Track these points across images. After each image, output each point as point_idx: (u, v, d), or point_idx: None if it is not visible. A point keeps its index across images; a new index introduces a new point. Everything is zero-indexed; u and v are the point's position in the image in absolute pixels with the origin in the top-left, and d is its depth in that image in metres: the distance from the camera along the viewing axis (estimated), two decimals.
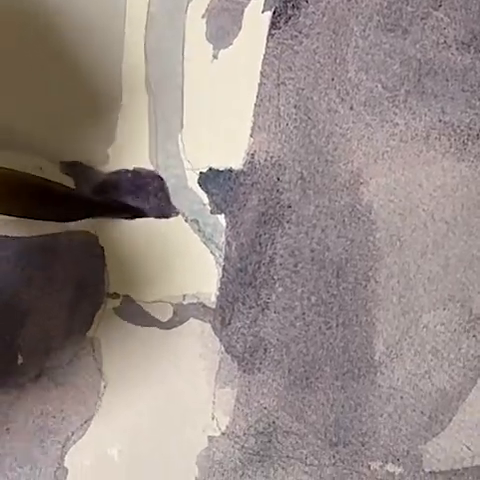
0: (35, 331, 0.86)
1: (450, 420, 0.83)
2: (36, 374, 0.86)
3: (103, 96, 0.85)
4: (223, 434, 0.85)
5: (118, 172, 0.86)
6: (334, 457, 0.84)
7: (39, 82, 0.85)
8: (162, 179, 0.86)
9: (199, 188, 0.85)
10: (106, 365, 0.87)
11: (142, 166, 0.86)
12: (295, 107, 0.83)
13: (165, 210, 0.86)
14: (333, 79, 0.82)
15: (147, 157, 0.86)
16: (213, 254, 0.85)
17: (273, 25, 0.83)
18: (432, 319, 0.82)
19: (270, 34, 0.83)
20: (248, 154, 0.84)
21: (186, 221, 0.86)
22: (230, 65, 0.84)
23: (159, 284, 0.86)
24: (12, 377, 0.86)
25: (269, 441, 0.85)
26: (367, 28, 0.82)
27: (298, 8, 0.82)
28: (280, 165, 0.83)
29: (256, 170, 0.84)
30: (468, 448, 0.83)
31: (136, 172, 0.86)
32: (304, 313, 0.84)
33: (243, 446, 0.85)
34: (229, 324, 0.85)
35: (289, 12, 0.83)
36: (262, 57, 0.83)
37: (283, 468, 0.85)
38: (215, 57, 0.84)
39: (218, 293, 0.85)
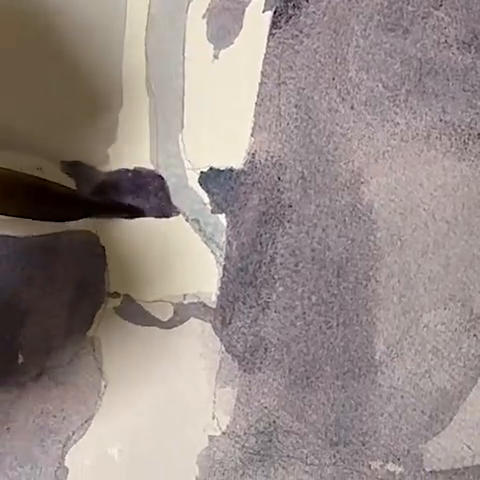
0: (36, 330, 0.86)
1: (451, 419, 0.83)
2: (37, 373, 0.86)
3: (103, 96, 0.85)
4: (224, 433, 0.86)
5: (119, 172, 0.86)
6: (335, 456, 0.84)
7: (39, 82, 0.85)
8: (163, 178, 0.86)
9: (200, 188, 0.85)
10: (106, 364, 0.87)
11: (143, 166, 0.86)
12: (296, 107, 0.83)
13: (166, 209, 0.86)
14: (334, 78, 0.82)
15: (148, 157, 0.86)
16: (214, 254, 0.85)
17: (274, 25, 0.83)
18: (433, 318, 0.82)
19: (271, 34, 0.83)
20: (249, 154, 0.84)
21: (187, 220, 0.86)
22: (231, 65, 0.84)
23: (160, 283, 0.86)
24: (13, 376, 0.86)
25: (270, 440, 0.85)
26: (368, 28, 0.82)
27: (299, 8, 0.83)
28: (281, 165, 0.83)
29: (257, 170, 0.84)
30: (469, 447, 0.83)
31: (136, 172, 0.86)
32: (305, 313, 0.84)
33: (244, 445, 0.85)
34: (230, 323, 0.85)
35: (290, 12, 0.83)
36: (263, 57, 0.83)
37: (284, 467, 0.85)
38: (216, 57, 0.84)
39: (219, 293, 0.85)
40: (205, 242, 0.85)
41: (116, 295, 0.86)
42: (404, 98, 0.82)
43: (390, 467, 0.84)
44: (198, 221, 0.85)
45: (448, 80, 0.81)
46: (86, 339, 0.86)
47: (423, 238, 0.82)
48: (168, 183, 0.86)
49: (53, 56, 0.84)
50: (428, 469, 0.83)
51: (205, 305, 0.85)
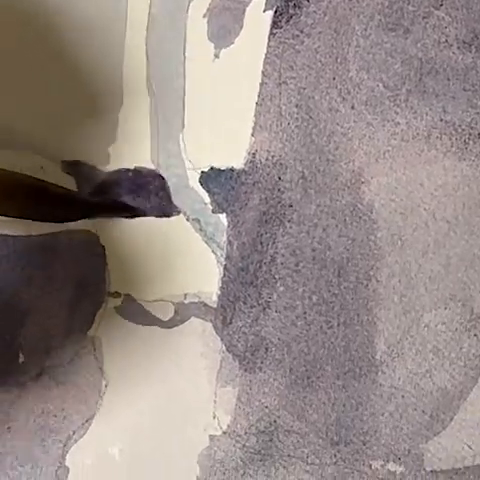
0: (36, 330, 0.86)
1: (451, 419, 0.83)
2: (37, 373, 0.86)
3: (104, 96, 0.85)
4: (224, 433, 0.86)
5: (119, 171, 0.86)
6: (335, 456, 0.84)
7: (40, 82, 0.85)
8: (163, 178, 0.86)
9: (200, 187, 0.85)
10: (107, 364, 0.87)
11: (143, 165, 0.86)
12: (296, 106, 0.83)
13: (166, 209, 0.86)
14: (334, 78, 0.82)
15: (148, 156, 0.86)
16: (214, 253, 0.85)
17: (275, 24, 0.83)
18: (433, 318, 0.82)
19: (272, 33, 0.83)
20: (249, 153, 0.84)
21: (187, 220, 0.86)
22: (231, 64, 0.84)
23: (160, 283, 0.86)
24: (13, 376, 0.86)
25: (270, 440, 0.85)
26: (368, 27, 0.82)
27: (299, 7, 0.83)
28: (281, 164, 0.83)
29: (257, 169, 0.84)
30: (469, 447, 0.83)
31: (137, 171, 0.86)
32: (305, 312, 0.84)
33: (244, 445, 0.85)
34: (230, 323, 0.85)
35: (290, 11, 0.83)
36: (264, 56, 0.83)
37: (284, 467, 0.85)
38: (216, 56, 0.84)
39: (219, 292, 0.85)
40: (206, 242, 0.85)
41: (117, 295, 0.86)
42: (405, 98, 0.82)
43: (391, 467, 0.84)
44: (199, 221, 0.85)
45: (449, 80, 0.81)
46: (87, 338, 0.86)
47: (424, 238, 0.82)
48: (169, 183, 0.86)
49: (53, 56, 0.84)
50: (429, 469, 0.83)
51: (206, 305, 0.85)
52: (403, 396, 0.83)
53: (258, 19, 0.83)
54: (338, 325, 0.83)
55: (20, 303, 0.86)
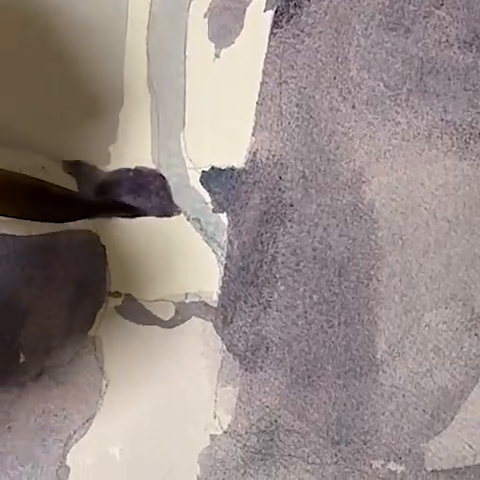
0: (36, 330, 0.86)
1: (452, 418, 0.83)
2: (37, 373, 0.86)
3: (105, 96, 0.85)
4: (225, 433, 0.86)
5: (120, 171, 0.86)
6: (336, 455, 0.84)
7: (40, 82, 0.85)
8: (164, 178, 0.86)
9: (201, 187, 0.85)
10: (108, 364, 0.87)
11: (144, 165, 0.86)
12: (297, 106, 0.83)
13: (167, 209, 0.86)
14: (335, 78, 0.82)
15: (149, 156, 0.86)
16: (215, 253, 0.85)
17: (275, 24, 0.83)
18: (434, 318, 0.82)
19: (272, 33, 0.83)
20: (250, 153, 0.84)
21: (188, 220, 0.86)
22: (232, 64, 0.84)
23: (161, 283, 0.86)
24: (13, 376, 0.86)
25: (271, 439, 0.85)
26: (369, 27, 0.82)
27: (300, 7, 0.83)
28: (282, 164, 0.83)
29: (258, 169, 0.84)
30: (470, 447, 0.83)
31: (138, 171, 0.86)
32: (306, 312, 0.84)
33: (245, 445, 0.85)
34: (231, 323, 0.85)
35: (291, 11, 0.83)
36: (264, 56, 0.83)
37: (285, 466, 0.85)
38: (217, 56, 0.84)
39: (220, 292, 0.85)
40: (206, 241, 0.85)
41: (117, 294, 0.86)
42: (405, 97, 0.82)
43: (391, 466, 0.84)
44: (199, 220, 0.85)
45: (449, 79, 0.81)
46: (87, 338, 0.86)
47: (424, 237, 0.82)
48: (169, 182, 0.86)
49: (53, 56, 0.84)
50: (429, 468, 0.83)
51: (206, 304, 0.85)
52: (404, 395, 0.83)
53: (259, 19, 0.83)
54: (339, 324, 0.83)
55: (20, 303, 0.86)
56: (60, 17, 0.84)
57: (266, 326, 0.84)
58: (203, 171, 0.85)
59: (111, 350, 0.86)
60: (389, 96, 0.82)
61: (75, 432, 0.86)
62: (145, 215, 0.86)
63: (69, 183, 0.85)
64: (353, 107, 0.82)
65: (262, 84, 0.84)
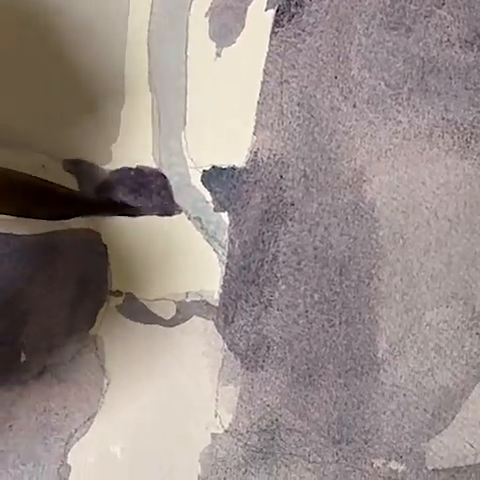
0: (37, 329, 0.86)
1: (453, 418, 0.83)
2: (39, 371, 0.86)
3: (106, 95, 0.85)
4: (226, 431, 0.86)
5: (121, 170, 0.86)
6: (337, 454, 0.84)
7: (41, 81, 0.85)
8: (165, 177, 0.86)
9: (202, 186, 0.85)
10: (109, 362, 0.87)
11: (145, 164, 0.86)
12: (298, 105, 0.83)
13: (168, 208, 0.86)
14: (336, 77, 0.82)
15: (150, 155, 0.86)
16: (216, 252, 0.85)
17: (276, 23, 0.83)
18: (435, 317, 0.82)
19: (273, 32, 0.83)
20: (251, 152, 0.84)
21: (189, 219, 0.86)
22: (233, 63, 0.84)
23: (162, 282, 0.86)
24: (15, 374, 0.86)
25: (272, 438, 0.85)
26: (370, 26, 0.82)
27: (301, 6, 0.83)
28: (283, 163, 0.83)
29: (259, 168, 0.84)
30: (471, 446, 0.83)
31: (139, 170, 0.86)
32: (307, 311, 0.84)
33: (246, 443, 0.85)
34: (232, 322, 0.85)
35: (292, 10, 0.83)
36: (265, 55, 0.83)
37: (286, 465, 0.85)
38: (218, 55, 0.84)
39: (221, 291, 0.85)
40: (207, 240, 0.85)
41: (118, 293, 0.86)
42: (406, 96, 0.82)
43: (392, 465, 0.84)
44: (200, 219, 0.85)
45: (450, 78, 0.81)
46: (88, 337, 0.86)
47: (425, 236, 0.82)
48: (171, 181, 0.86)
49: (54, 56, 0.84)
50: (430, 467, 0.83)
51: (208, 303, 0.85)
52: (405, 394, 0.83)
53: (260, 18, 0.83)
54: (340, 323, 0.83)
55: (22, 302, 0.86)
56: (60, 17, 0.84)
57: (267, 325, 0.84)
58: (204, 170, 0.85)
59: (112, 349, 0.86)
60: (390, 95, 0.82)
61: (76, 431, 0.86)
62: (146, 214, 0.86)
63: (70, 182, 0.85)
64: (354, 106, 0.82)
65: (263, 83, 0.84)
